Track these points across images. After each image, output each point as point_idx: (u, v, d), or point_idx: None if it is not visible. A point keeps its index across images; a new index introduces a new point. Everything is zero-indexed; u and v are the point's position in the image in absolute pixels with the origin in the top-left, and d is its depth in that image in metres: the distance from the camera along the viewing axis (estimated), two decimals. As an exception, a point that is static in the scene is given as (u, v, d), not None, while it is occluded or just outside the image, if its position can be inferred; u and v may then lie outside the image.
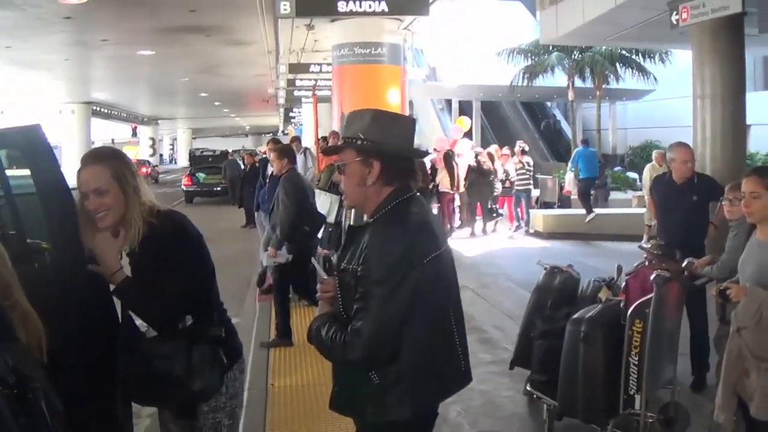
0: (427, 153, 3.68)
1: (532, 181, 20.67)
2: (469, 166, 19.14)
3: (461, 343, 3.36)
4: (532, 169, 20.64)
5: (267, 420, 6.64)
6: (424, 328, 3.15)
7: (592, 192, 22.27)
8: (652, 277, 5.32)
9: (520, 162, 20.03)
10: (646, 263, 6.15)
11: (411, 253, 3.09)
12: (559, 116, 46.42)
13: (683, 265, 5.98)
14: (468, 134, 25.22)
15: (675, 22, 11.73)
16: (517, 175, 19.77)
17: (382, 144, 3.21)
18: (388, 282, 3.04)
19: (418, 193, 3.37)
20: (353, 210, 11.61)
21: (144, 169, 55.60)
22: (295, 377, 7.70)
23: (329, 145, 16.86)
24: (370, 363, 3.14)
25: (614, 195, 24.42)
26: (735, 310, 4.49)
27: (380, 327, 3.05)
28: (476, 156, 19.60)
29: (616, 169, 31.08)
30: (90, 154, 3.76)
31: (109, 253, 3.61)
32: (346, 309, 3.19)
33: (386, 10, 15.80)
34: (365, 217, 3.35)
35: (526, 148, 21.17)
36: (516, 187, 19.79)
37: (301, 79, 28.35)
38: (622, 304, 5.58)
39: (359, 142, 3.21)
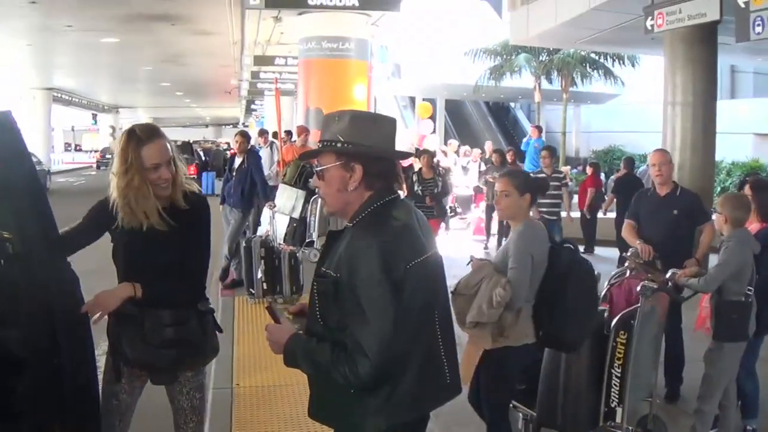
0: (411, 154, 3.47)
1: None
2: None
3: (447, 350, 3.18)
4: (567, 182, 14.83)
5: (233, 421, 6.45)
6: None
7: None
8: (638, 288, 5.18)
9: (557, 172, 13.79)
10: (628, 272, 6.04)
11: (392, 257, 2.89)
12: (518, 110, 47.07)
13: (667, 275, 5.84)
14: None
15: (650, 28, 11.68)
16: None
17: (364, 146, 3.03)
18: (381, 285, 2.85)
19: (401, 196, 3.20)
20: (319, 205, 11.47)
21: None
22: (261, 377, 7.50)
23: (295, 140, 16.74)
24: (383, 378, 2.94)
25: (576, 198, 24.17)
26: None
27: (388, 334, 2.85)
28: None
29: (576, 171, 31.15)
30: (151, 130, 3.91)
31: (117, 294, 3.80)
32: (324, 317, 3.03)
33: (357, 4, 15.69)
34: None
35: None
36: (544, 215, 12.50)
37: (266, 72, 28.29)
38: (605, 314, 5.43)
39: (339, 145, 3.03)
